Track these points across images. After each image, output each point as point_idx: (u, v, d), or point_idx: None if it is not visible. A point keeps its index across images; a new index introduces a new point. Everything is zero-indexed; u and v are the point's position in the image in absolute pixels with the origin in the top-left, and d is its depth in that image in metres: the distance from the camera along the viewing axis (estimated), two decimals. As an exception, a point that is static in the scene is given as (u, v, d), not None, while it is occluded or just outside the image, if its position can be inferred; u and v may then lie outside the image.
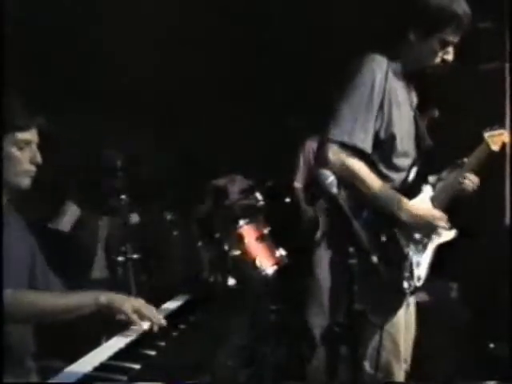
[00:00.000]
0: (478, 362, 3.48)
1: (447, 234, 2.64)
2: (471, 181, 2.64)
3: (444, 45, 2.48)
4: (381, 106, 2.43)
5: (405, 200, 2.46)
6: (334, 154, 2.38)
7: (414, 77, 2.59)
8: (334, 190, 2.00)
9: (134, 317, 1.95)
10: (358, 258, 1.91)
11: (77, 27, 4.26)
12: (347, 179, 2.33)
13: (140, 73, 4.38)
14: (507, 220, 3.92)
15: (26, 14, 3.93)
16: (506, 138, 2.71)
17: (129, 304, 1.96)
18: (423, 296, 3.85)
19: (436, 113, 2.87)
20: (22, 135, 1.97)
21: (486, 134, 2.69)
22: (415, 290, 2.52)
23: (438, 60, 2.50)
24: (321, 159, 2.42)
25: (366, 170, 2.43)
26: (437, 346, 3.54)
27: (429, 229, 2.51)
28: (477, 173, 2.66)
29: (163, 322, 2.01)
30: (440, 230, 2.53)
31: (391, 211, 2.42)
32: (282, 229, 3.92)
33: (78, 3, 4.22)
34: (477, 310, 3.75)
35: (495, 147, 2.68)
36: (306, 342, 3.21)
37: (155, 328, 1.98)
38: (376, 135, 2.45)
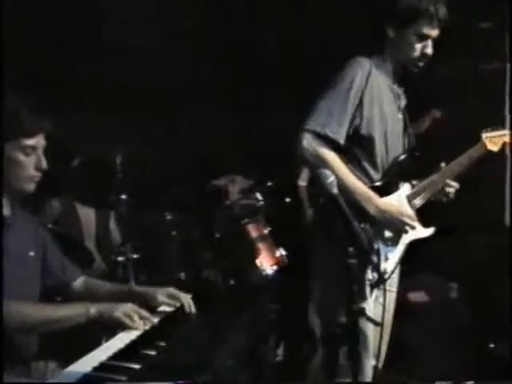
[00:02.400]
0: (478, 362, 3.48)
1: (423, 232, 2.65)
2: (452, 187, 2.66)
3: (421, 38, 2.54)
4: (360, 104, 2.50)
5: (374, 195, 2.50)
6: (307, 142, 2.47)
7: (400, 76, 2.64)
8: (335, 190, 2.01)
9: (127, 321, 1.95)
10: (357, 257, 1.92)
11: (76, 27, 4.27)
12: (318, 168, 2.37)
13: (140, 73, 4.38)
14: (507, 220, 3.92)
15: (24, 14, 3.93)
16: (507, 138, 2.71)
17: (118, 311, 1.96)
18: (423, 296, 3.86)
19: (438, 113, 2.89)
20: (28, 141, 1.96)
21: (485, 135, 2.70)
22: (379, 283, 2.53)
23: (417, 54, 2.56)
24: (295, 147, 2.51)
25: (338, 161, 2.48)
26: (437, 346, 3.55)
27: (396, 225, 2.52)
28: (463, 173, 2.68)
29: (154, 320, 2.03)
30: (408, 228, 2.54)
31: (359, 204, 2.45)
32: (283, 229, 3.92)
33: (78, 3, 4.22)
34: (477, 310, 3.75)
35: (494, 148, 2.68)
36: (307, 341, 3.21)
37: (146, 327, 1.98)
38: (356, 131, 2.52)
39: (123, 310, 1.98)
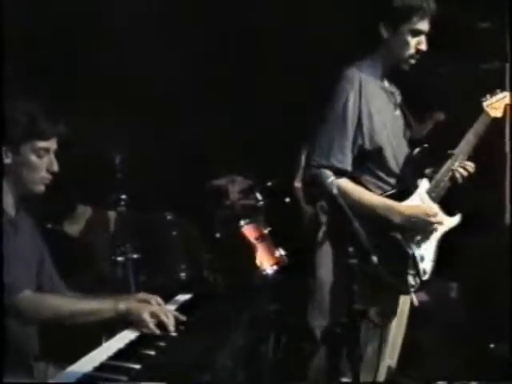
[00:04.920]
0: (478, 362, 3.47)
1: (450, 221, 2.65)
2: (468, 167, 2.64)
3: (415, 34, 2.55)
4: (359, 121, 2.52)
5: (394, 203, 2.50)
6: (319, 178, 2.45)
7: (392, 75, 2.64)
8: (335, 190, 2.01)
9: (152, 326, 1.96)
10: (358, 257, 1.92)
11: (76, 27, 4.27)
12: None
13: (140, 73, 4.38)
14: (507, 220, 3.92)
15: (23, 13, 3.93)
16: (507, 100, 2.67)
17: (147, 312, 1.98)
18: (423, 296, 3.86)
19: (441, 116, 2.88)
20: (43, 143, 1.99)
21: (485, 103, 2.66)
22: (422, 285, 2.54)
23: (412, 51, 2.57)
24: (309, 183, 2.55)
25: (350, 185, 2.50)
26: (437, 346, 3.55)
27: (424, 227, 2.53)
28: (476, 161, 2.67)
29: (183, 319, 2.03)
30: (436, 225, 2.54)
31: (385, 217, 2.45)
32: (282, 229, 3.92)
33: (79, 4, 4.22)
34: (477, 310, 3.75)
35: (497, 113, 2.65)
36: (307, 342, 3.21)
37: (172, 329, 1.98)
38: (362, 148, 2.53)
39: (151, 310, 1.99)
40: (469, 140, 2.65)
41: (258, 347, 3.16)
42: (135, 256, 3.73)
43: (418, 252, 2.54)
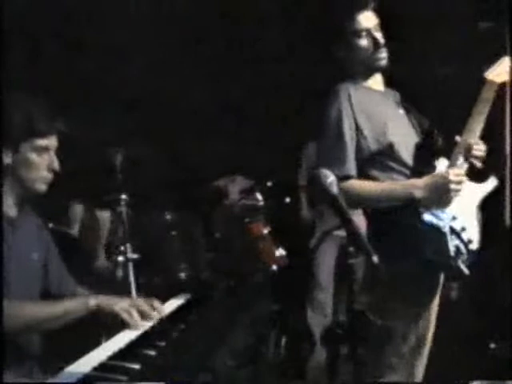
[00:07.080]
0: (478, 362, 3.47)
1: (485, 187, 2.59)
2: (479, 149, 2.57)
3: (357, 33, 2.55)
4: (357, 128, 2.51)
5: (410, 180, 2.49)
6: (319, 177, 2.45)
7: (390, 77, 2.64)
8: (335, 190, 2.01)
9: (126, 317, 1.96)
10: (359, 257, 1.92)
11: (79, 29, 4.27)
12: (355, 202, 2.40)
13: (141, 74, 4.38)
14: (507, 220, 3.92)
15: (23, 13, 3.94)
16: (507, 62, 2.61)
17: (119, 305, 1.98)
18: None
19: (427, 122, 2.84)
20: (42, 141, 1.98)
21: (487, 74, 2.61)
22: (471, 254, 2.47)
23: (368, 47, 2.55)
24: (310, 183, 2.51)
25: (358, 183, 2.48)
26: (437, 346, 3.54)
27: (444, 190, 2.43)
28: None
29: (154, 317, 2.04)
30: (458, 186, 2.44)
31: (407, 198, 2.43)
32: (282, 229, 3.92)
33: (83, 6, 4.23)
34: (477, 310, 3.74)
35: (504, 78, 2.59)
36: (306, 341, 3.22)
37: (146, 324, 1.98)
38: (368, 151, 2.51)
39: (122, 305, 1.99)
40: (479, 111, 2.54)
41: (258, 347, 3.16)
42: (135, 256, 3.73)
43: (455, 224, 2.43)
